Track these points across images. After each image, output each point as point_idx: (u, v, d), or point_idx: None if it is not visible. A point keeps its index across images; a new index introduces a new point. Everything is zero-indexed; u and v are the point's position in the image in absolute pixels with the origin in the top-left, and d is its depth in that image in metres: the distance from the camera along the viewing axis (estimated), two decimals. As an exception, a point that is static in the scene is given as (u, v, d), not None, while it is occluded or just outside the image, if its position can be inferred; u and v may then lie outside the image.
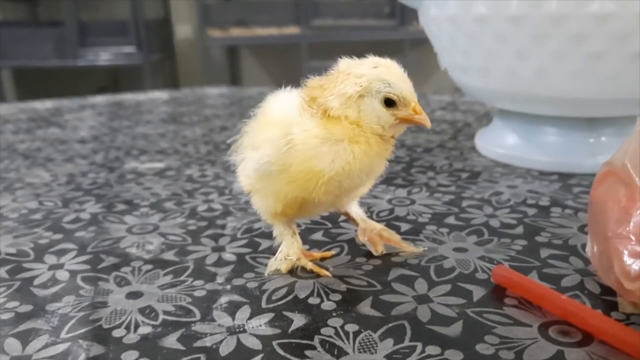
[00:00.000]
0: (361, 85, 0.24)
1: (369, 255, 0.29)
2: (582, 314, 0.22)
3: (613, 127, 0.40)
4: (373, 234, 0.29)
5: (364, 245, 0.29)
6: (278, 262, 0.27)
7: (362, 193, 0.28)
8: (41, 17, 2.14)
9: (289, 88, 0.27)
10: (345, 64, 0.25)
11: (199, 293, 0.26)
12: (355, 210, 0.30)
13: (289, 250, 0.27)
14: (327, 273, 0.27)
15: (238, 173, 0.28)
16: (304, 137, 0.24)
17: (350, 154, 0.24)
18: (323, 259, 0.29)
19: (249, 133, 0.26)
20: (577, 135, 0.41)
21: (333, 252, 0.29)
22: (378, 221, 0.33)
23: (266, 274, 0.27)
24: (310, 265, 0.27)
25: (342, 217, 0.33)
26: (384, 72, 0.24)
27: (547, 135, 0.41)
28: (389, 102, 0.24)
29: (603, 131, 0.40)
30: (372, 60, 0.25)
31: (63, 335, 0.23)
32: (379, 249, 0.29)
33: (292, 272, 0.27)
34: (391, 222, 0.33)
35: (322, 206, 0.27)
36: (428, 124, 0.25)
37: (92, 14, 2.11)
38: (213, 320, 0.24)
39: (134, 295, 0.26)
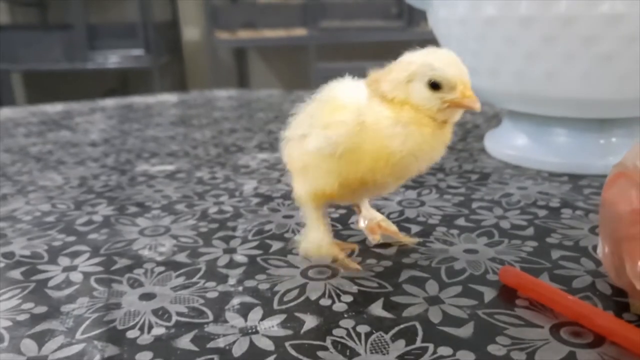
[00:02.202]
0: (410, 70, 0.25)
1: (379, 257, 0.29)
2: (589, 314, 0.22)
3: (624, 128, 0.40)
4: (373, 222, 0.30)
5: (365, 243, 0.30)
6: (309, 245, 0.28)
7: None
8: (51, 20, 2.16)
9: (352, 78, 0.27)
10: (405, 55, 0.26)
11: (211, 294, 0.26)
12: (366, 205, 0.31)
13: (322, 239, 0.28)
14: (358, 267, 0.28)
15: (288, 152, 0.28)
16: (376, 118, 0.25)
17: (420, 136, 0.25)
18: (352, 252, 0.29)
19: (311, 113, 0.27)
20: (587, 137, 0.40)
21: (356, 244, 0.30)
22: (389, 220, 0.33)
23: (300, 253, 0.28)
24: (341, 258, 0.28)
25: (352, 219, 0.34)
26: (432, 58, 0.25)
27: (557, 137, 0.41)
28: (435, 86, 0.24)
29: (613, 132, 0.40)
30: (429, 49, 0.26)
31: (78, 336, 0.23)
32: (376, 238, 0.30)
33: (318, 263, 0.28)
34: (401, 224, 0.33)
35: (370, 191, 0.28)
36: (477, 106, 0.25)
37: (101, 17, 2.12)
38: (226, 321, 0.24)
39: (147, 296, 0.26)
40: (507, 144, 0.44)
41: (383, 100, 0.25)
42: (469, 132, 0.54)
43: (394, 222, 0.33)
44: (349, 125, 0.25)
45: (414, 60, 0.25)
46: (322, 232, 0.28)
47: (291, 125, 0.28)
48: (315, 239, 0.28)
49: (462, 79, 0.25)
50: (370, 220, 0.30)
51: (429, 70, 0.24)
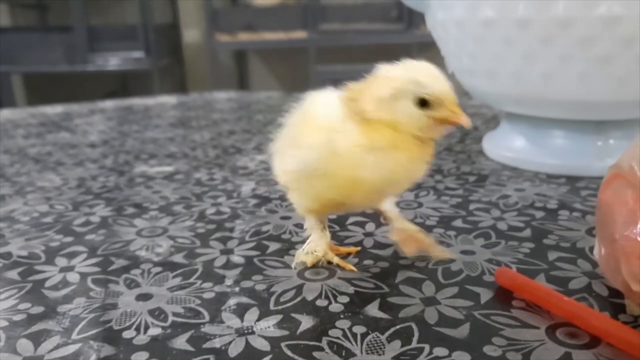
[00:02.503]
0: (394, 87, 0.24)
1: (376, 257, 0.29)
2: (585, 315, 0.22)
3: (621, 130, 0.40)
4: (406, 235, 0.29)
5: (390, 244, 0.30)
6: (305, 255, 0.28)
7: (401, 193, 0.29)
8: (51, 22, 2.16)
9: (330, 88, 0.26)
10: (383, 69, 0.25)
11: (207, 295, 0.26)
12: (391, 209, 0.30)
13: (317, 244, 0.28)
14: (353, 268, 0.27)
15: (274, 166, 0.28)
16: (347, 145, 0.24)
17: (394, 162, 0.24)
18: (348, 254, 0.29)
19: (290, 129, 0.26)
20: (584, 138, 0.40)
21: (358, 248, 0.30)
22: (385, 223, 0.33)
23: (293, 266, 0.28)
24: (336, 260, 0.28)
25: (350, 220, 0.34)
26: (417, 74, 0.24)
27: (554, 139, 0.41)
28: (423, 103, 0.24)
29: (611, 134, 0.40)
30: (407, 63, 0.24)
31: (74, 336, 0.23)
32: (410, 252, 0.28)
33: (315, 266, 0.28)
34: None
35: (359, 208, 0.28)
36: (466, 123, 0.24)
37: (101, 19, 2.13)
38: (222, 321, 0.24)
39: (144, 297, 0.26)
40: (505, 145, 0.44)
41: (361, 120, 0.24)
42: (467, 134, 0.55)
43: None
44: (320, 150, 0.24)
45: (396, 76, 0.24)
46: (318, 237, 0.28)
47: (277, 138, 0.27)
48: (310, 244, 0.28)
49: (449, 95, 0.24)
50: (403, 232, 0.29)
51: (417, 87, 0.23)
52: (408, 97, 0.24)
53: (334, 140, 0.24)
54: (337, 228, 0.33)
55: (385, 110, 0.24)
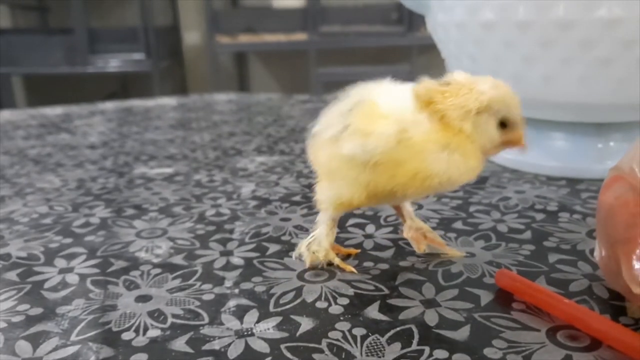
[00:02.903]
0: (483, 103, 0.24)
1: (376, 259, 0.29)
2: (585, 318, 0.22)
3: (621, 132, 0.40)
4: (418, 233, 0.29)
5: (406, 241, 0.30)
6: (306, 251, 0.28)
7: None
8: (51, 24, 2.17)
9: (391, 80, 0.27)
10: (465, 77, 0.25)
11: (207, 297, 0.26)
12: (407, 208, 0.30)
13: (321, 240, 0.28)
14: (353, 269, 0.27)
15: (311, 149, 0.27)
16: (424, 139, 0.24)
17: (464, 166, 0.25)
18: (348, 255, 0.29)
19: (342, 117, 0.26)
20: (585, 141, 0.40)
21: (358, 250, 0.30)
22: (385, 226, 0.33)
23: (293, 257, 0.28)
24: (337, 261, 0.28)
25: (350, 222, 0.34)
26: (505, 94, 0.25)
27: (555, 141, 0.41)
28: (503, 124, 0.25)
29: (611, 136, 0.40)
30: (490, 79, 0.25)
31: (73, 337, 0.23)
32: (421, 248, 0.29)
33: (314, 267, 0.28)
34: (399, 227, 0.33)
35: (394, 201, 0.28)
36: (527, 149, 0.26)
37: (101, 21, 2.13)
38: (221, 323, 0.24)
39: (143, 298, 0.26)
40: (505, 148, 0.44)
41: (440, 121, 0.24)
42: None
43: (391, 225, 0.33)
44: (390, 138, 0.24)
45: (485, 92, 0.24)
46: (325, 234, 0.28)
47: (320, 122, 0.27)
48: (314, 239, 0.28)
49: (523, 119, 0.25)
50: (415, 230, 0.29)
51: (504, 108, 0.24)
52: (494, 115, 0.25)
53: (406, 131, 0.24)
54: (337, 230, 0.33)
55: (469, 122, 0.24)
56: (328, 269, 0.28)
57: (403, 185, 0.25)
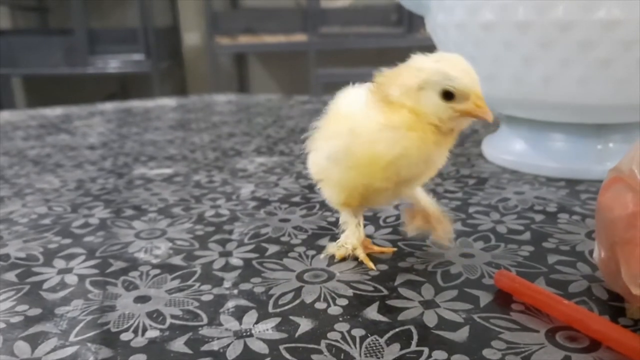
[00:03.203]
0: (420, 77, 0.24)
1: (375, 260, 0.29)
2: (585, 319, 0.22)
3: (621, 133, 0.40)
4: (415, 212, 0.29)
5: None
6: (335, 248, 0.29)
7: (423, 182, 0.29)
8: (51, 25, 2.17)
9: (357, 85, 0.28)
10: (415, 59, 0.25)
11: (206, 297, 0.26)
12: (423, 198, 0.30)
13: (349, 239, 0.29)
14: (373, 267, 0.28)
15: (309, 164, 0.29)
16: (366, 123, 0.25)
17: (408, 140, 0.25)
18: (382, 253, 0.30)
19: (321, 127, 0.28)
20: (584, 142, 0.40)
21: (394, 249, 0.30)
22: (384, 227, 0.33)
23: (321, 257, 0.29)
24: (362, 256, 0.28)
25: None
26: (445, 66, 0.24)
27: (554, 142, 0.41)
28: (448, 95, 0.24)
29: (611, 137, 0.40)
30: (437, 54, 0.25)
31: (72, 338, 0.23)
32: (410, 230, 0.29)
33: (345, 259, 0.29)
34: (398, 228, 0.33)
35: (383, 195, 0.28)
36: (489, 117, 0.24)
37: (101, 22, 2.13)
38: (220, 324, 0.24)
39: (142, 299, 0.26)
40: (505, 149, 0.44)
41: (385, 103, 0.25)
42: (467, 137, 0.54)
43: (390, 226, 0.33)
44: (343, 134, 0.26)
45: (426, 67, 0.24)
46: (352, 232, 0.29)
47: (312, 136, 0.28)
48: (343, 238, 0.29)
49: (476, 89, 0.24)
50: (415, 210, 0.29)
51: (444, 80, 0.24)
52: (434, 88, 0.24)
53: (355, 124, 0.25)
54: (336, 230, 0.33)
55: (410, 98, 0.25)
56: (326, 270, 0.28)
57: (366, 175, 0.26)
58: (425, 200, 0.30)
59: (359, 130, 0.25)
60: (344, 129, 0.26)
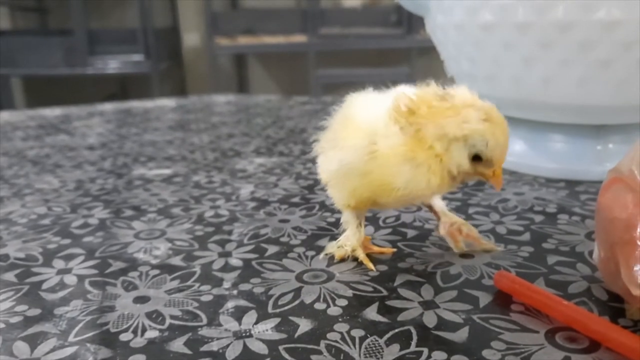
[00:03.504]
0: (462, 132, 0.24)
1: (375, 261, 0.29)
2: (584, 320, 0.22)
3: (620, 134, 0.40)
4: (453, 228, 0.29)
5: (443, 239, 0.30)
6: (335, 248, 0.29)
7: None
8: (51, 25, 2.17)
9: (372, 90, 0.27)
10: (464, 95, 0.25)
11: (205, 298, 0.26)
12: (438, 203, 0.30)
13: (349, 240, 0.29)
14: (373, 267, 0.28)
15: (318, 164, 0.29)
16: (388, 153, 0.25)
17: (426, 181, 0.25)
18: (381, 253, 0.30)
19: (332, 130, 0.28)
20: (584, 143, 0.40)
21: (394, 249, 0.30)
22: (384, 227, 0.33)
23: (320, 257, 0.29)
24: (362, 257, 0.28)
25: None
26: (491, 131, 0.24)
27: (554, 143, 0.41)
28: (477, 158, 0.25)
29: (610, 138, 0.40)
30: (487, 107, 0.25)
31: (71, 338, 0.23)
32: (458, 245, 0.29)
33: (344, 260, 0.29)
34: (397, 228, 0.33)
35: (393, 204, 0.29)
36: (499, 187, 0.26)
37: (101, 22, 2.13)
38: (219, 324, 0.24)
39: (141, 299, 0.26)
40: (505, 149, 0.44)
41: (413, 135, 0.25)
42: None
43: (390, 227, 0.33)
44: (360, 151, 0.25)
45: (472, 123, 0.24)
46: (352, 233, 0.29)
47: (322, 138, 0.28)
48: (343, 238, 0.29)
49: (502, 159, 0.25)
50: (450, 225, 0.29)
51: (483, 146, 0.24)
52: (470, 147, 0.24)
53: (375, 143, 0.25)
54: (336, 231, 0.33)
55: (442, 143, 0.24)
56: (326, 271, 0.28)
57: (379, 195, 0.26)
58: (439, 204, 0.30)
59: (379, 153, 0.25)
60: (360, 143, 0.25)
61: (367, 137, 0.25)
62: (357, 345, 0.22)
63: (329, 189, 0.29)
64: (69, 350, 0.22)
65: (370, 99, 0.27)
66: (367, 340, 0.22)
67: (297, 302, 0.25)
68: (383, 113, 0.25)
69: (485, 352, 0.21)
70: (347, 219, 0.29)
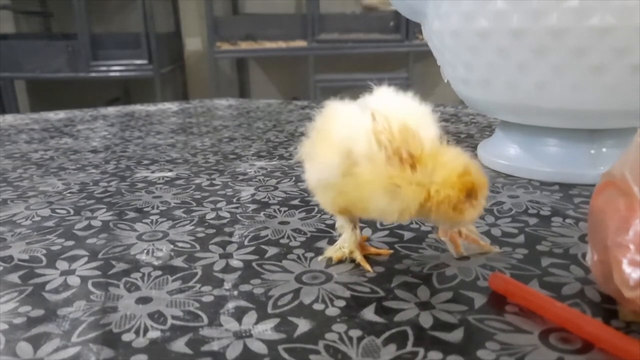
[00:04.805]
0: (461, 192, 0.24)
1: (372, 262, 0.29)
2: (577, 321, 0.23)
3: (614, 138, 0.41)
4: (453, 231, 0.30)
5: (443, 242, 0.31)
6: (333, 251, 0.30)
7: None
8: (55, 29, 2.18)
9: (346, 100, 0.27)
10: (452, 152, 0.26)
11: (206, 298, 0.26)
12: None
13: (346, 242, 0.29)
14: (370, 269, 0.28)
15: (304, 169, 0.29)
16: (371, 180, 0.24)
17: (406, 210, 0.24)
18: (378, 255, 0.30)
19: (310, 141, 0.28)
20: (578, 147, 0.41)
21: (390, 251, 0.30)
22: (381, 229, 0.34)
23: (319, 259, 0.30)
24: (359, 258, 0.29)
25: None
26: (478, 213, 0.25)
27: (548, 147, 0.42)
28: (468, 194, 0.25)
29: (604, 142, 0.41)
30: (467, 161, 0.25)
31: (74, 339, 0.23)
32: (458, 250, 0.29)
33: (342, 262, 0.29)
34: (394, 230, 0.33)
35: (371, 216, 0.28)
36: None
37: (104, 27, 2.14)
38: (220, 325, 0.24)
39: (144, 300, 0.26)
40: (499, 153, 0.45)
41: (399, 159, 0.24)
42: (462, 142, 0.55)
43: (387, 229, 0.34)
44: (335, 170, 0.25)
45: (472, 170, 0.25)
46: (348, 236, 0.29)
47: (302, 147, 0.28)
48: (339, 241, 0.30)
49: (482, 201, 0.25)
50: (450, 229, 0.29)
51: (484, 190, 0.25)
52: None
53: (356, 164, 0.25)
54: (334, 233, 0.33)
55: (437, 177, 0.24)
56: (324, 272, 0.28)
57: (353, 209, 0.27)
58: None
59: (359, 174, 0.25)
60: (336, 161, 0.25)
61: (342, 155, 0.25)
62: (354, 345, 0.22)
63: (315, 196, 0.29)
64: (71, 351, 0.23)
65: (347, 113, 0.26)
66: (365, 341, 0.23)
67: (296, 302, 0.26)
68: (360, 130, 0.25)
69: (480, 353, 0.22)
70: (341, 223, 0.29)
